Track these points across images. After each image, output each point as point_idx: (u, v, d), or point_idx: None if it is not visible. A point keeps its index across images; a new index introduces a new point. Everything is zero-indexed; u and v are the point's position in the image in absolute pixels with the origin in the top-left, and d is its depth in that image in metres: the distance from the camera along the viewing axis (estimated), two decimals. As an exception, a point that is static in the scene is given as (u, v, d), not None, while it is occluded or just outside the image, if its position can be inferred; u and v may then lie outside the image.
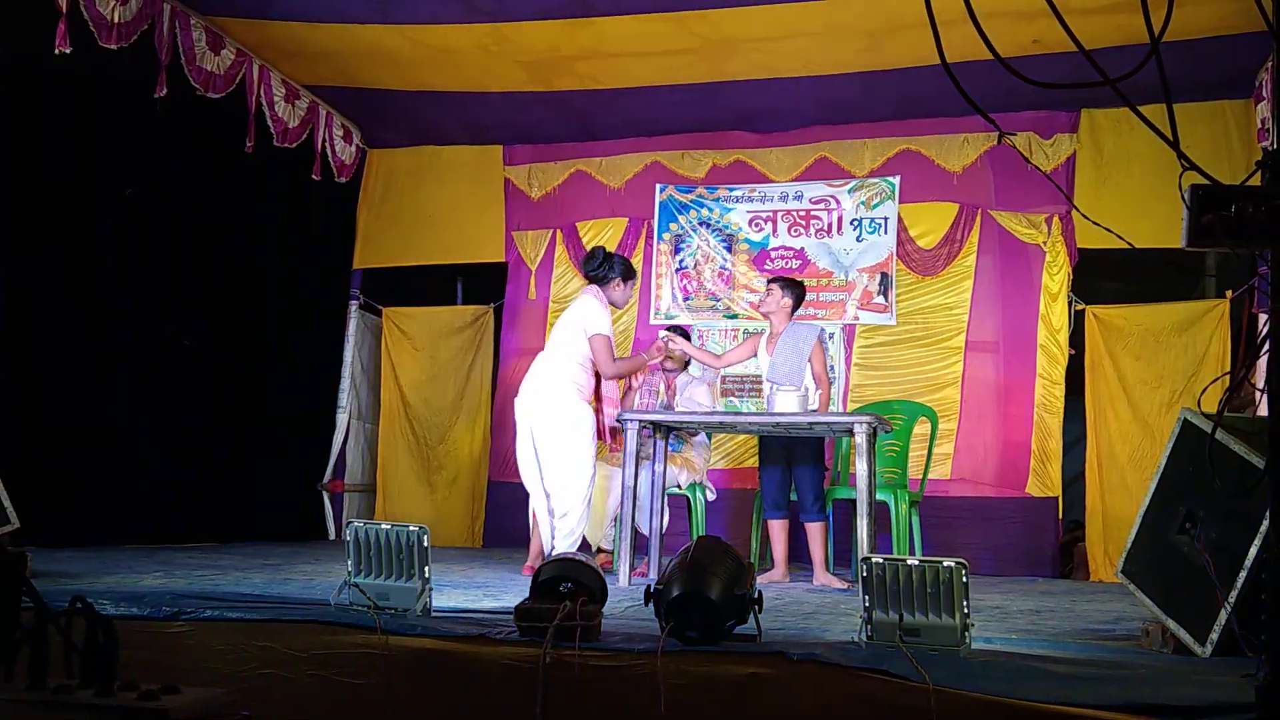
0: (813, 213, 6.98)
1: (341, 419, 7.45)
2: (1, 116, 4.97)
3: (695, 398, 5.81)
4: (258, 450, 6.59)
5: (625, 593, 4.24)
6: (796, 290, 5.51)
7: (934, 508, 6.11)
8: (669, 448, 5.33)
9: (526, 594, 2.96)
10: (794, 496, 5.33)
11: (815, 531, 5.22)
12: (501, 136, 7.46)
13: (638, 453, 4.92)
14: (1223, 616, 2.79)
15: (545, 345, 5.29)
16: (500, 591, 4.08)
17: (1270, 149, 1.86)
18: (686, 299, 7.15)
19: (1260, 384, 2.41)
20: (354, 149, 7.47)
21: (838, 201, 6.94)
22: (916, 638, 2.71)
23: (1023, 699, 2.27)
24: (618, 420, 5.04)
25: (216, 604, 3.12)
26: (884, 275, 6.78)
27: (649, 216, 7.27)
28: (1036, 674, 2.49)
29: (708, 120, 7.01)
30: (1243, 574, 2.75)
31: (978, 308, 6.61)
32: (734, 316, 7.04)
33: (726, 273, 7.09)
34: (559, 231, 7.40)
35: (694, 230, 7.18)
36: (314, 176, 6.94)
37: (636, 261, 7.23)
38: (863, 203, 6.89)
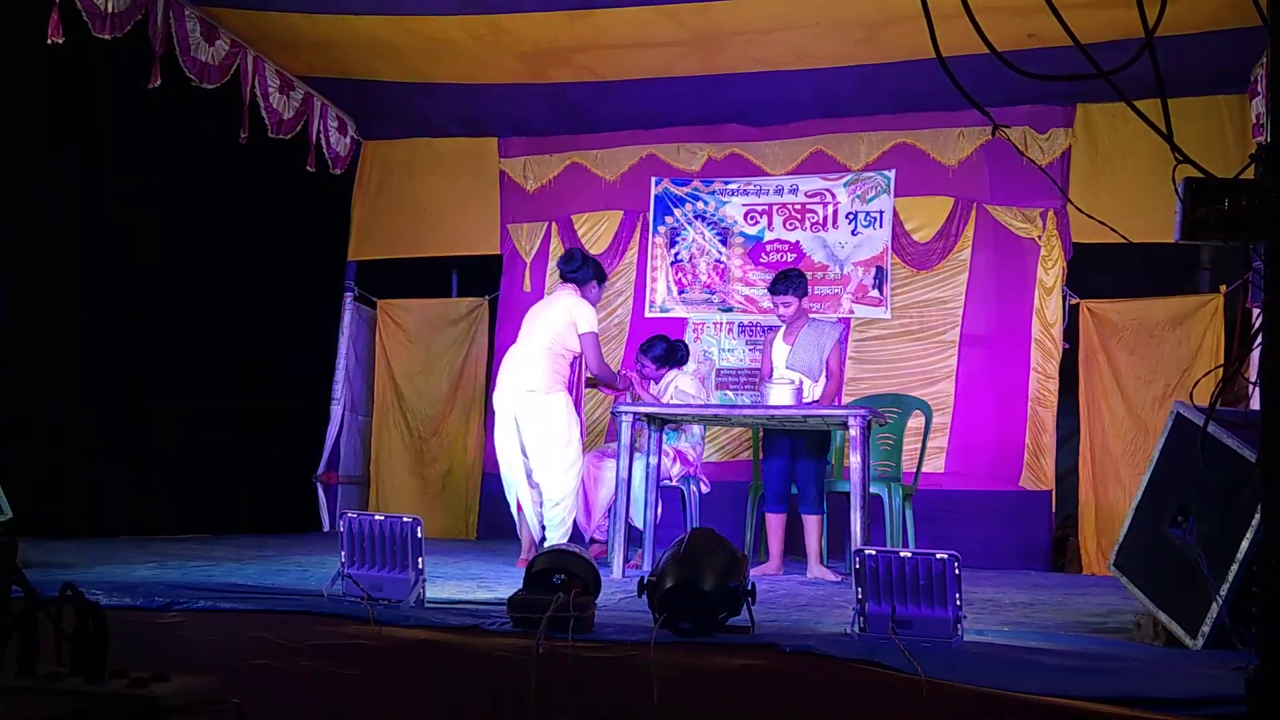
0: (808, 206, 6.98)
1: (335, 411, 7.44)
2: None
3: (682, 388, 5.81)
4: (252, 442, 6.58)
5: (619, 584, 4.25)
6: (801, 284, 5.50)
7: (927, 501, 6.12)
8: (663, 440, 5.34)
9: (520, 585, 2.96)
10: (793, 490, 5.34)
11: (812, 524, 5.23)
12: (497, 129, 7.45)
13: (632, 445, 4.93)
14: (1214, 609, 2.79)
15: (523, 337, 5.29)
16: (494, 583, 4.09)
17: (1265, 143, 1.86)
18: (682, 292, 7.15)
19: (1253, 378, 2.42)
20: (349, 140, 7.46)
21: (833, 195, 6.94)
22: (909, 630, 2.72)
23: (1014, 690, 2.27)
24: (612, 413, 5.08)
25: (210, 594, 3.12)
26: (879, 269, 6.79)
27: (644, 209, 7.27)
28: (1028, 666, 2.50)
29: (703, 113, 7.01)
30: (1234, 567, 2.76)
31: (972, 302, 6.62)
32: (729, 310, 7.04)
33: (722, 266, 7.09)
34: (554, 224, 7.39)
35: (689, 223, 7.17)
36: (308, 168, 6.92)
37: (631, 255, 7.25)
38: (858, 196, 6.89)
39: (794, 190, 7.01)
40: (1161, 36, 1.87)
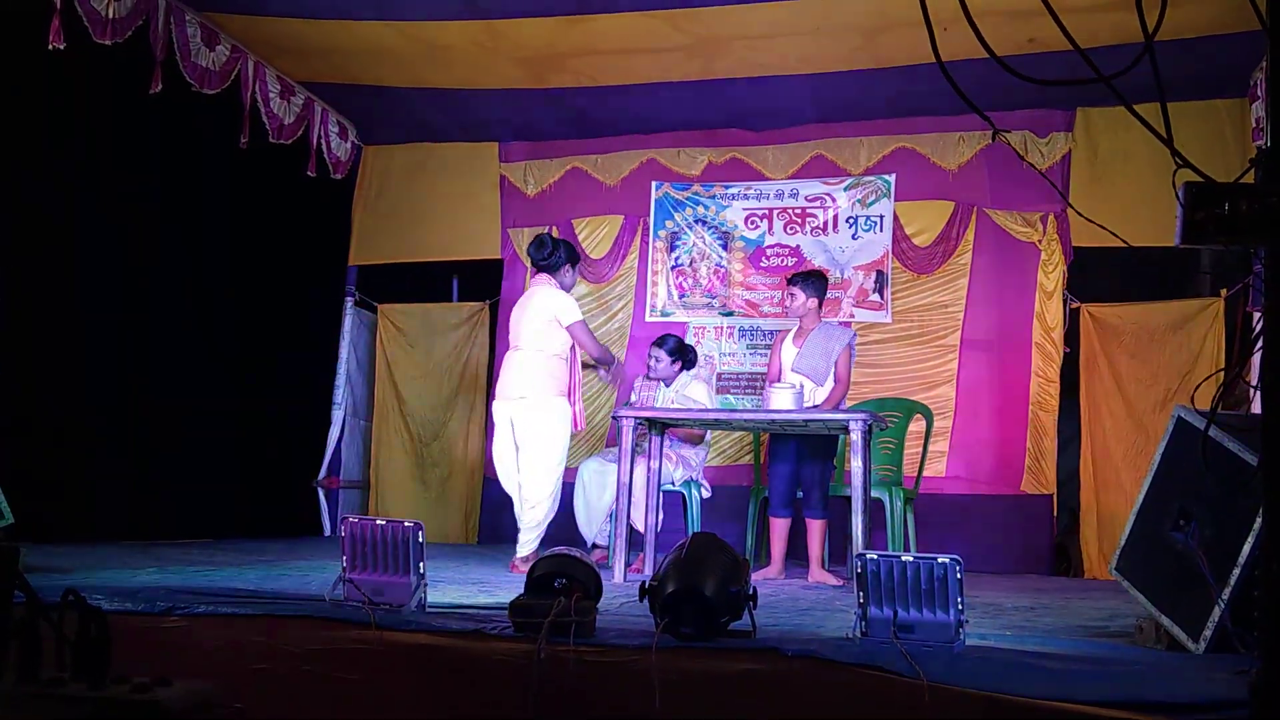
0: (808, 210, 6.98)
1: (337, 415, 7.44)
2: (-4, 112, 4.96)
3: (692, 395, 5.82)
4: (253, 446, 6.58)
5: (620, 589, 4.25)
6: (820, 285, 5.51)
7: (929, 505, 6.12)
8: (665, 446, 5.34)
9: (521, 590, 2.96)
10: (798, 494, 5.34)
11: (815, 528, 5.23)
12: (497, 133, 7.46)
13: (633, 449, 4.93)
14: (1216, 613, 2.79)
15: (513, 342, 5.31)
16: (495, 587, 4.08)
17: (1265, 147, 1.86)
18: (682, 296, 7.15)
19: (1254, 381, 2.42)
20: (349, 145, 7.46)
21: (833, 199, 6.94)
22: (910, 634, 2.72)
23: (1016, 695, 2.28)
24: (613, 417, 5.08)
25: (211, 599, 3.12)
26: (879, 273, 6.79)
27: (645, 214, 7.27)
28: (1030, 670, 2.49)
29: (704, 118, 7.01)
30: (1236, 571, 2.75)
31: (973, 306, 6.62)
32: (730, 314, 7.04)
33: (722, 270, 7.09)
34: (555, 228, 7.38)
35: (690, 227, 7.18)
36: (309, 173, 6.92)
37: (632, 259, 7.25)
38: (858, 200, 6.89)
39: (794, 194, 7.02)
40: (1162, 41, 1.87)
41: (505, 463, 5.24)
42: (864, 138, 6.90)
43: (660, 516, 5.28)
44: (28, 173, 5.13)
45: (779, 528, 5.33)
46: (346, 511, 7.24)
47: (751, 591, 2.83)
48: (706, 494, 5.85)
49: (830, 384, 5.36)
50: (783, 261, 6.92)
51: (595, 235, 7.32)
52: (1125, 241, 3.39)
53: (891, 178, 6.85)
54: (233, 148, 6.15)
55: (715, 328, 7.05)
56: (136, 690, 1.56)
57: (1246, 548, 2.73)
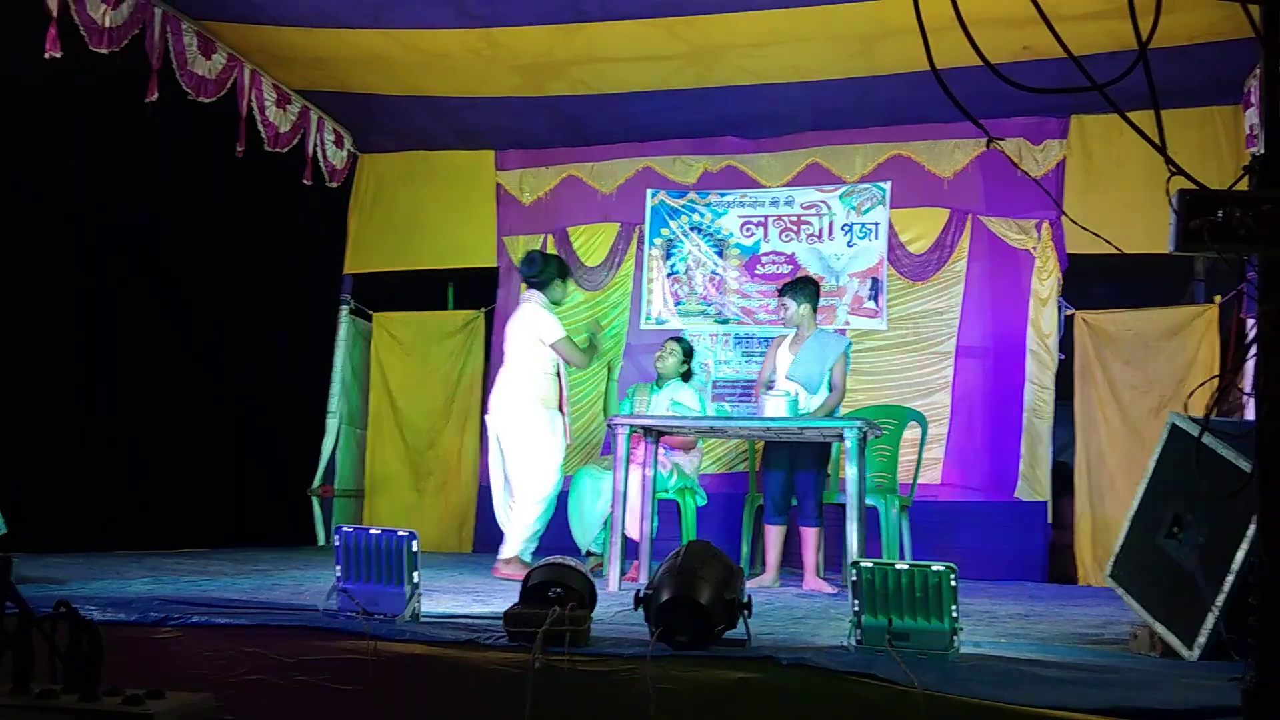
0: (804, 218, 6.99)
1: (331, 424, 7.43)
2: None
3: (683, 400, 5.82)
4: (247, 455, 6.56)
5: (615, 597, 4.24)
6: (809, 292, 5.52)
7: (924, 512, 6.12)
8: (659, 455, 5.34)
9: (516, 599, 2.95)
10: (793, 501, 5.34)
11: (810, 537, 5.23)
12: (493, 141, 7.47)
13: (627, 457, 4.93)
14: (1211, 620, 2.79)
15: (504, 357, 5.38)
16: (489, 596, 4.07)
17: (1258, 155, 1.87)
18: (678, 304, 7.16)
19: (1248, 388, 2.42)
20: (345, 154, 7.47)
21: (829, 207, 6.95)
22: (905, 642, 2.72)
23: (1011, 703, 2.27)
24: (608, 424, 5.10)
25: (204, 609, 3.11)
26: (875, 280, 6.80)
27: (640, 222, 7.28)
28: (1025, 678, 2.49)
29: (699, 126, 7.03)
30: (1230, 578, 2.76)
31: (968, 313, 6.63)
32: (725, 321, 7.05)
33: (718, 278, 7.10)
34: (550, 237, 7.40)
35: (685, 235, 7.18)
36: (305, 181, 6.93)
37: (628, 266, 7.25)
38: (854, 208, 6.90)
39: (790, 202, 7.03)
40: (1156, 48, 1.88)
41: (496, 476, 5.35)
42: (859, 145, 6.92)
43: (655, 524, 5.28)
44: (24, 183, 5.12)
45: (774, 535, 5.33)
46: (341, 521, 7.22)
47: (746, 600, 2.83)
48: (702, 502, 5.84)
49: (824, 392, 5.36)
50: (778, 269, 6.93)
51: (591, 243, 7.33)
52: (1118, 249, 3.39)
53: (887, 185, 6.86)
54: (229, 156, 6.16)
55: (711, 335, 7.05)
56: (129, 702, 1.55)
57: (1240, 554, 2.73)
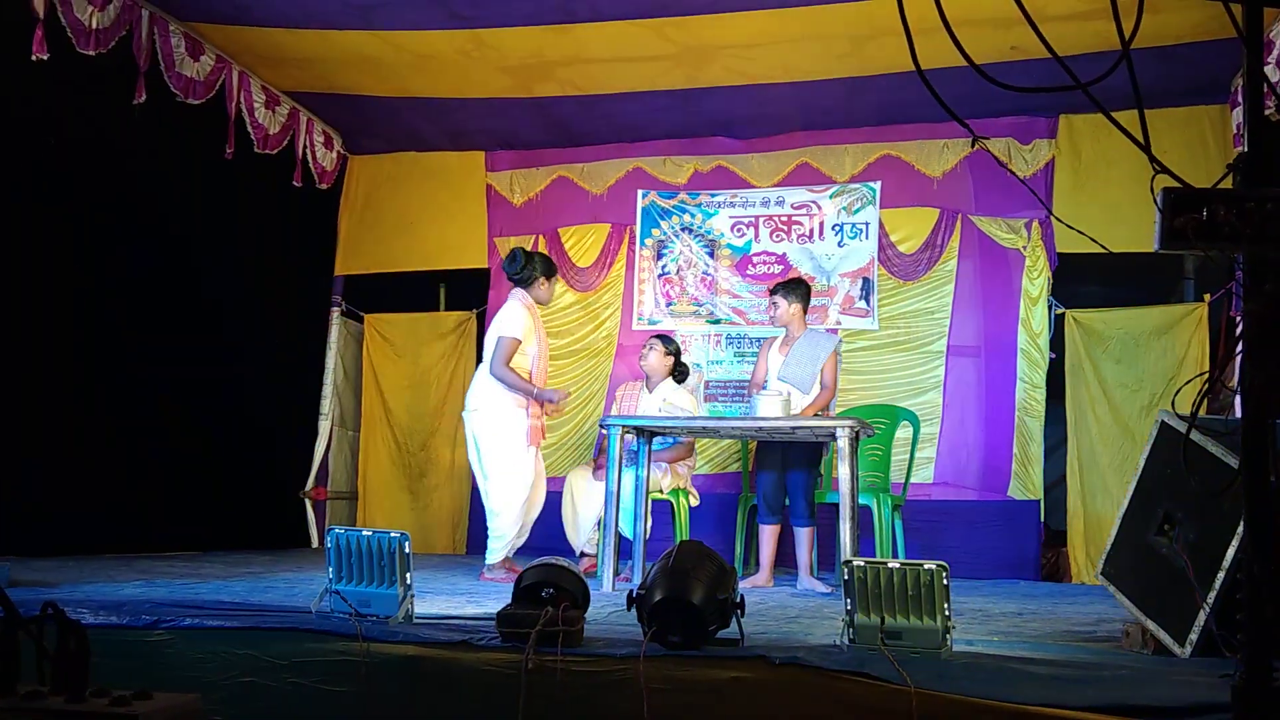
0: (794, 218, 7.00)
1: (324, 426, 7.42)
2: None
3: (678, 403, 5.82)
4: (239, 457, 6.55)
5: (609, 597, 4.24)
6: (800, 292, 5.54)
7: (916, 511, 6.13)
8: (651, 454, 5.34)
9: (509, 600, 2.95)
10: (786, 501, 5.34)
11: (803, 536, 5.24)
12: (483, 142, 7.46)
13: (620, 458, 4.93)
14: (1202, 617, 2.80)
15: (483, 356, 5.37)
16: (482, 598, 4.07)
17: (1242, 153, 1.88)
18: (669, 304, 7.16)
19: (1236, 385, 2.43)
20: (335, 155, 7.46)
21: (819, 207, 6.96)
22: (898, 640, 2.73)
23: (1003, 700, 2.28)
24: (600, 425, 5.09)
25: (196, 612, 3.10)
26: (866, 280, 6.81)
27: (631, 222, 7.28)
28: (1017, 676, 2.50)
29: (689, 126, 7.03)
30: (1221, 575, 2.77)
31: (959, 312, 6.65)
32: (717, 322, 7.05)
33: (709, 278, 7.10)
34: (542, 237, 7.39)
35: (676, 236, 7.19)
36: (295, 183, 6.91)
37: (619, 267, 7.25)
38: (844, 208, 6.91)
39: (780, 202, 7.03)
40: (1145, 48, 1.89)
41: (478, 473, 5.34)
42: (849, 145, 6.93)
43: (649, 524, 5.28)
44: (9, 186, 5.11)
45: (767, 535, 5.33)
46: (334, 522, 7.21)
47: (739, 599, 2.83)
48: (695, 502, 5.84)
49: (816, 390, 5.37)
50: (769, 269, 6.94)
51: (582, 244, 7.33)
52: (1104, 247, 3.41)
53: (877, 185, 6.88)
54: (218, 158, 6.14)
55: (702, 335, 7.05)
56: (115, 704, 1.55)
57: (1231, 551, 2.74)
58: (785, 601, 4.47)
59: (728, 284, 7.06)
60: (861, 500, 5.12)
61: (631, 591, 2.83)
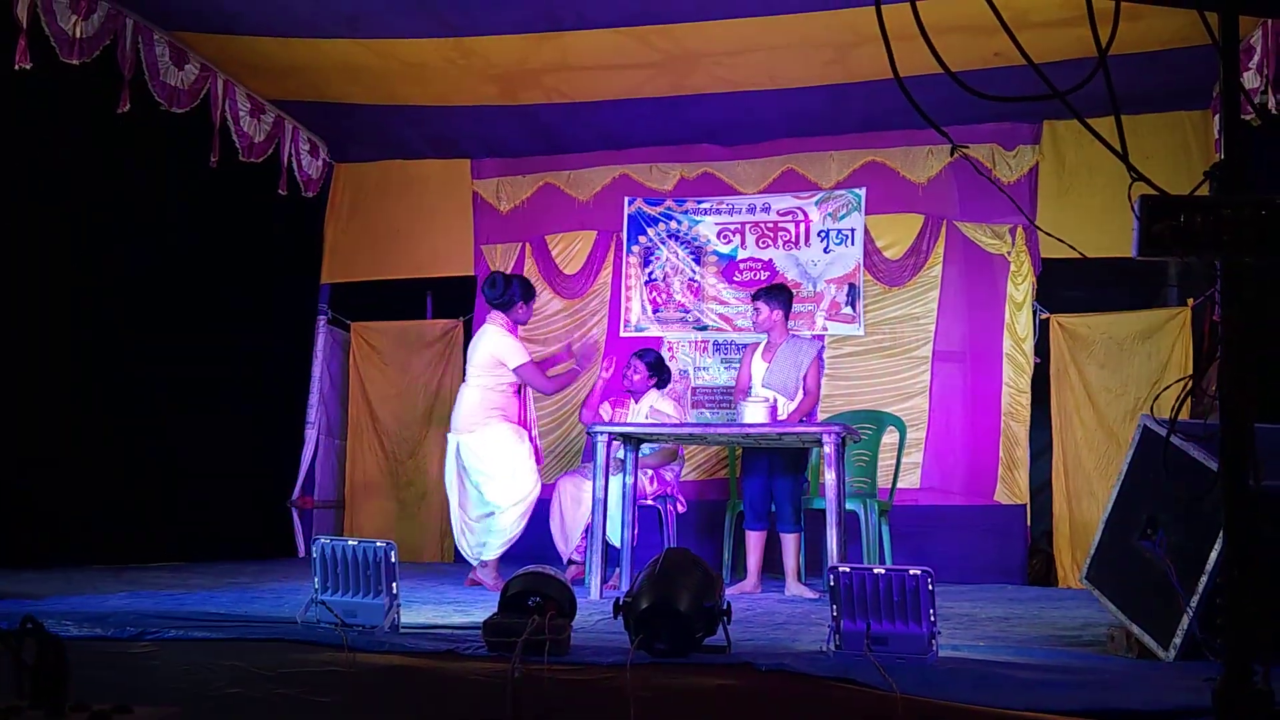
0: (780, 224, 7.02)
1: (310, 435, 7.39)
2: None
3: (663, 410, 5.83)
4: (225, 467, 6.52)
5: (597, 605, 4.24)
6: (782, 299, 5.56)
7: (904, 517, 6.15)
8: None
9: (495, 609, 2.95)
10: (773, 508, 5.35)
11: (790, 543, 5.25)
12: (469, 150, 7.46)
13: (607, 464, 4.93)
14: (1185, 621, 2.82)
15: (465, 376, 5.39)
16: (469, 607, 4.07)
17: (1219, 160, 1.89)
18: (656, 311, 7.17)
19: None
20: (320, 163, 7.45)
21: (805, 213, 6.98)
22: (885, 646, 2.73)
23: (989, 705, 2.28)
24: (588, 432, 5.10)
25: (181, 623, 3.09)
26: (851, 286, 6.83)
27: (618, 229, 7.29)
28: (1003, 680, 2.50)
29: (675, 133, 7.05)
30: (1203, 578, 2.78)
31: (944, 318, 6.67)
32: (704, 328, 7.06)
33: (696, 284, 7.11)
34: (528, 245, 7.40)
35: (663, 242, 7.20)
36: (280, 191, 6.90)
37: (606, 274, 7.26)
38: (829, 214, 6.94)
39: (766, 209, 7.05)
40: (1127, 54, 1.91)
41: (452, 490, 5.34)
42: (834, 152, 6.95)
43: (636, 532, 5.28)
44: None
45: (754, 541, 5.34)
46: (320, 531, 7.19)
47: (725, 606, 2.83)
48: (682, 509, 5.85)
49: (800, 396, 5.38)
50: (755, 275, 6.95)
51: (568, 251, 7.33)
52: (1082, 254, 3.43)
53: (862, 191, 6.90)
54: (203, 167, 6.13)
55: (689, 342, 7.06)
56: (95, 718, 1.54)
57: (1213, 555, 2.76)
58: (773, 608, 4.48)
59: (714, 290, 7.07)
60: (848, 506, 5.14)
61: (618, 599, 2.84)
